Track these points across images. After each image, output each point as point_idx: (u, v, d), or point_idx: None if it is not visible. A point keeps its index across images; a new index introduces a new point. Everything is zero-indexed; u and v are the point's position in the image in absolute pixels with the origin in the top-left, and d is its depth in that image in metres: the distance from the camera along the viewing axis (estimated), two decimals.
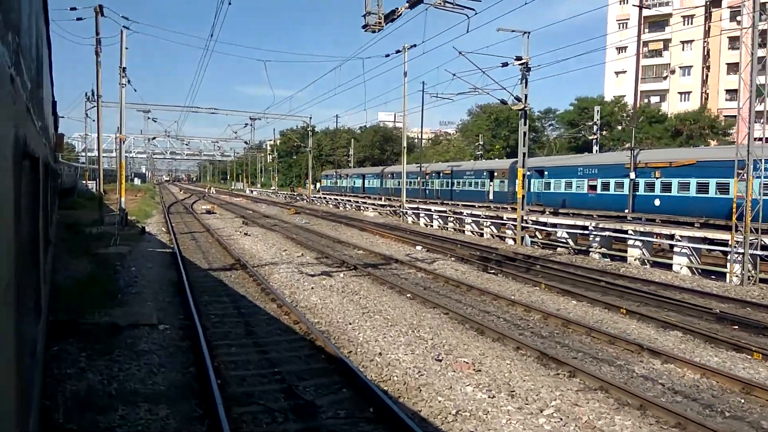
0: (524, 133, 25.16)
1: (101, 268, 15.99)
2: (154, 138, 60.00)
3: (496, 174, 37.46)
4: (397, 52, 35.43)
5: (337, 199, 51.54)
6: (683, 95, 77.82)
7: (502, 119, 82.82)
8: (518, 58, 23.49)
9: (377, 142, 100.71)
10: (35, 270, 4.85)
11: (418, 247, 22.53)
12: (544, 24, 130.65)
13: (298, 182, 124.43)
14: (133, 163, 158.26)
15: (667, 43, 77.33)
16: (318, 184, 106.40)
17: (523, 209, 24.27)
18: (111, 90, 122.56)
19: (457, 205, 37.79)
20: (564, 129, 71.86)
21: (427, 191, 47.26)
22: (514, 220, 24.80)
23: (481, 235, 27.90)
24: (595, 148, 41.61)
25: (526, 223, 24.19)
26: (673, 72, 77.71)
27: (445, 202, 41.26)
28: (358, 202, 46.37)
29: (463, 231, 29.19)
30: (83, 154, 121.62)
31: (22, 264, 3.31)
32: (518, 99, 24.23)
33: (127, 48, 25.33)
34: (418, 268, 17.58)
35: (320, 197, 58.12)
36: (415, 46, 34.98)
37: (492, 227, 26.97)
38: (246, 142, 72.07)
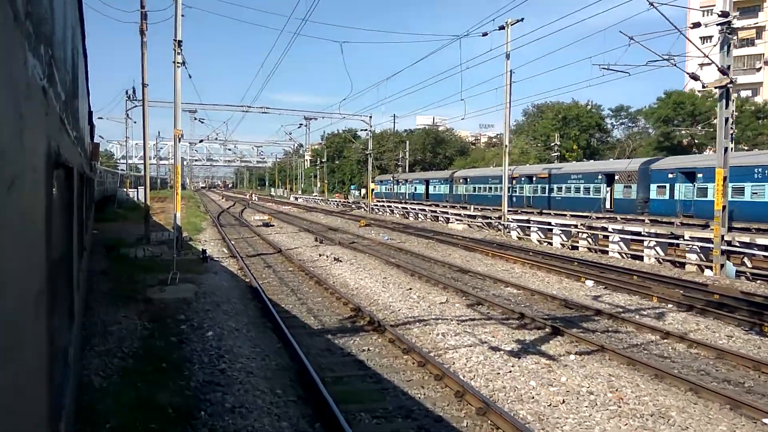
0: (726, 119, 18.52)
1: (159, 334, 9.99)
2: (201, 141, 54.85)
3: (617, 177, 30.61)
4: (501, 28, 29.12)
5: (405, 208, 45.22)
6: None
7: (570, 117, 75.70)
8: (723, 14, 16.91)
9: (429, 144, 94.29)
10: (68, 278, 4.92)
11: (589, 283, 15.98)
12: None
13: (341, 188, 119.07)
14: (168, 170, 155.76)
15: (760, 30, 69.12)
16: (362, 190, 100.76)
17: (724, 225, 17.53)
18: (154, 86, 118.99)
19: (565, 215, 31.11)
20: (652, 128, 64.14)
21: (515, 198, 40.60)
22: (706, 240, 18.09)
23: (636, 257, 21.19)
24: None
25: (729, 244, 17.42)
26: (767, 63, 69.39)
27: (543, 211, 34.59)
28: (435, 211, 39.92)
29: (606, 251, 22.49)
30: (122, 161, 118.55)
31: (55, 272, 3.37)
32: (722, 71, 17.58)
33: (183, 16, 19.56)
34: (653, 330, 11.05)
35: (381, 205, 51.90)
36: (521, 20, 28.65)
37: (657, 249, 20.21)
38: (301, 145, 66.59)
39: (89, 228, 17.21)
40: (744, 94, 70.41)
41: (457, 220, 35.33)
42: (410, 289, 14.73)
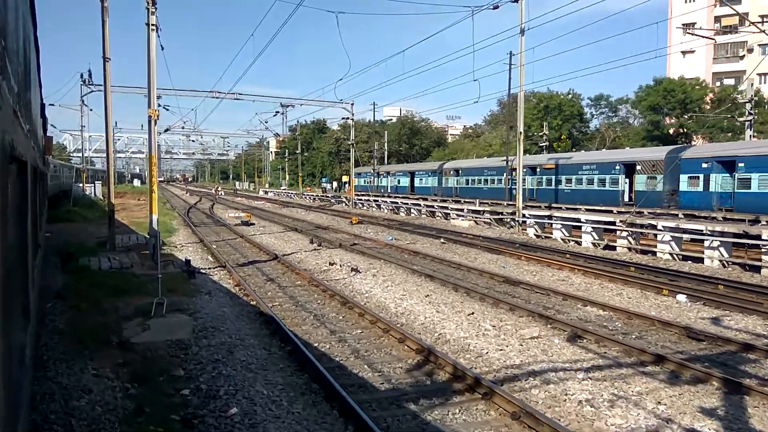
0: None
1: (151, 410, 6.43)
2: (166, 130, 50.08)
3: (639, 168, 27.86)
4: (514, 1, 25.91)
5: (395, 203, 41.73)
6: (762, 77, 68.41)
7: (552, 107, 73.45)
8: None
9: (404, 135, 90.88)
10: (23, 275, 4.82)
11: (681, 298, 12.91)
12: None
13: (311, 181, 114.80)
14: (125, 163, 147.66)
15: (743, 17, 68.15)
16: (334, 183, 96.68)
17: None
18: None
19: (579, 209, 28.24)
20: (640, 116, 62.15)
21: (515, 191, 37.61)
22: None
23: (690, 259, 18.33)
24: (748, 132, 31.89)
25: None
26: (750, 50, 68.48)
27: (552, 205, 31.68)
28: (432, 206, 36.57)
29: (650, 252, 19.59)
30: (75, 154, 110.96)
31: (9, 269, 3.33)
32: None
33: None
34: None
35: (365, 200, 48.33)
36: None
37: (721, 250, 17.37)
38: (277, 134, 62.23)
39: (42, 225, 16.35)
40: (727, 81, 69.57)
41: (458, 215, 32.11)
42: (472, 313, 11.35)
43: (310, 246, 22.51)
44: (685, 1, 72.38)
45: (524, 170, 36.88)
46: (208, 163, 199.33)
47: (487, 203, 37.23)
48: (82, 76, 39.69)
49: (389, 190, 57.37)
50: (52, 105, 42.64)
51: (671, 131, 58.07)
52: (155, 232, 14.93)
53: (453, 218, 32.13)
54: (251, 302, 12.24)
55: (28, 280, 5.20)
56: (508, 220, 27.65)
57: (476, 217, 30.21)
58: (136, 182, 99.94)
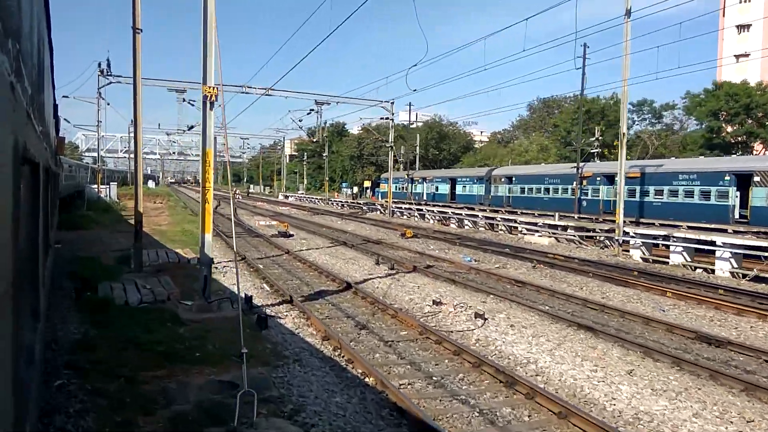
0: None
1: None
2: (190, 128, 46.08)
3: (758, 179, 23.39)
4: None
5: (444, 213, 37.28)
6: None
7: (594, 111, 68.94)
8: None
9: (432, 140, 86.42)
10: (33, 276, 4.86)
11: None
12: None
13: (330, 186, 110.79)
14: (127, 163, 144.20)
15: None
16: (354, 188, 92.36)
17: None
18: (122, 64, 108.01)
19: (679, 226, 23.81)
20: (699, 122, 57.41)
21: (584, 203, 33.23)
22: None
23: None
24: None
25: None
26: None
27: (639, 220, 27.24)
28: (493, 218, 32.16)
29: None
30: (87, 154, 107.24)
31: (21, 270, 3.34)
32: None
33: None
34: None
35: (406, 208, 44.02)
36: None
37: None
38: (310, 134, 58.06)
39: (54, 225, 15.58)
40: None
41: (528, 229, 27.72)
42: (726, 409, 7.01)
43: (379, 268, 18.24)
44: (740, 1, 67.76)
45: (600, 179, 32.50)
46: (220, 166, 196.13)
47: (551, 215, 32.87)
48: (99, 65, 35.78)
49: (425, 198, 53.00)
50: (66, 97, 38.85)
51: (733, 139, 53.42)
52: (208, 260, 10.69)
53: (523, 233, 27.72)
54: (367, 379, 7.94)
55: (39, 281, 5.20)
56: (602, 238, 23.24)
57: (555, 233, 25.79)
58: (151, 183, 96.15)
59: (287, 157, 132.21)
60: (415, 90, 29.59)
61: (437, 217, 37.21)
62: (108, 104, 39.01)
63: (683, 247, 19.56)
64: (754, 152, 51.83)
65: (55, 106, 15.85)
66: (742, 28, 67.12)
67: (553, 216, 28.06)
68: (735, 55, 67.94)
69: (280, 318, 11.31)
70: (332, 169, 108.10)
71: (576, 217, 30.52)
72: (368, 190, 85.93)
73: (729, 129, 52.61)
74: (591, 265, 19.71)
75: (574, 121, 69.41)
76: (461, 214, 34.17)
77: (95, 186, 40.63)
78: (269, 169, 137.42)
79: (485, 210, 38.81)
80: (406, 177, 54.72)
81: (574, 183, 32.17)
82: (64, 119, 44.09)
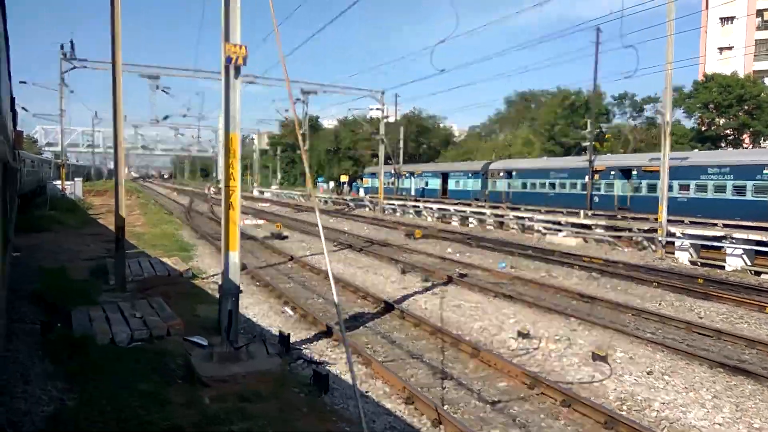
0: None
1: None
2: (166, 117, 42.27)
3: None
4: None
5: (446, 210, 34.58)
6: None
7: (578, 104, 67.21)
8: None
9: (411, 134, 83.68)
10: None
11: None
12: None
13: (304, 180, 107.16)
14: (103, 159, 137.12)
15: None
16: (331, 183, 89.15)
17: None
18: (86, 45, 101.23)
19: (715, 224, 21.74)
20: (689, 115, 55.99)
21: (597, 198, 31.03)
22: None
23: None
24: None
25: None
26: None
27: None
28: (504, 216, 29.60)
29: None
30: (46, 149, 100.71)
31: None
32: None
33: None
34: None
35: (399, 204, 41.27)
36: None
37: None
38: (283, 126, 54.38)
39: (13, 220, 15.12)
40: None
41: (547, 228, 25.29)
42: None
43: (409, 279, 15.48)
44: None
45: (614, 173, 30.33)
46: (187, 160, 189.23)
47: (561, 212, 30.62)
48: (62, 47, 31.89)
49: (414, 194, 50.30)
50: (24, 83, 34.80)
51: (723, 131, 52.27)
52: (234, 289, 7.62)
53: (541, 232, 25.26)
54: None
55: None
56: (640, 238, 20.92)
57: (579, 232, 23.39)
58: None
59: (257, 150, 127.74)
60: (442, 70, 26.67)
61: (436, 215, 34.54)
62: (72, 92, 35.08)
63: (743, 249, 17.34)
64: (744, 145, 50.86)
65: (12, 99, 14.80)
66: (726, 20, 66.28)
67: (576, 213, 25.67)
68: (719, 48, 67.29)
69: (328, 363, 8.45)
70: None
71: (589, 214, 28.26)
72: (345, 185, 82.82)
73: (722, 121, 51.43)
74: (642, 271, 17.33)
75: (558, 115, 67.79)
76: (465, 211, 31.57)
77: (58, 182, 36.63)
78: (243, 163, 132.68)
79: (484, 206, 36.32)
80: (393, 171, 51.97)
81: (586, 177, 29.91)
82: (22, 107, 39.90)
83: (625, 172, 29.32)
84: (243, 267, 16.82)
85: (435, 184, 48.43)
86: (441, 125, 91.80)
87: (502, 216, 29.21)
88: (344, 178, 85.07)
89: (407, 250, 21.60)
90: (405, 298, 13.16)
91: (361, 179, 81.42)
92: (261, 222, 32.70)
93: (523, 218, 27.51)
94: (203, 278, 15.25)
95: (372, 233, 28.14)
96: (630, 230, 21.45)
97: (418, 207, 36.95)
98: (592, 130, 34.74)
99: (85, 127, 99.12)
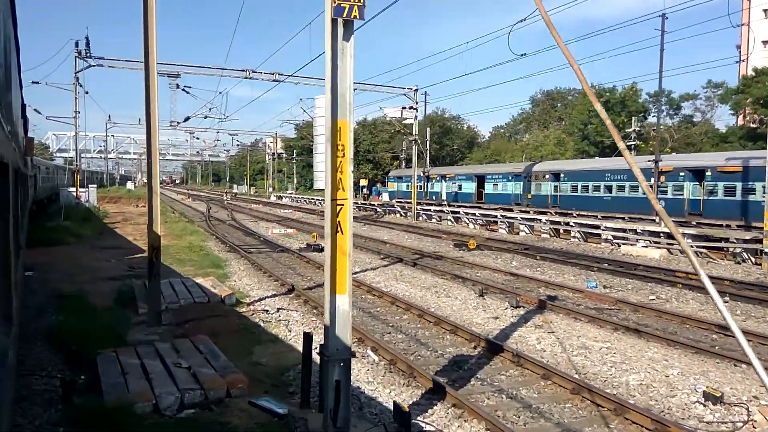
0: None
1: None
2: (186, 119, 40.03)
3: None
4: None
5: (491, 216, 31.88)
6: None
7: (614, 102, 64.30)
8: None
9: (434, 135, 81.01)
10: (5, 279, 4.76)
11: None
12: None
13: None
14: (115, 164, 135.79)
15: None
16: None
17: None
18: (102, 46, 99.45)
19: None
20: (733, 113, 52.93)
21: (662, 202, 28.20)
22: None
23: None
24: None
25: None
26: None
27: (745, 224, 22.31)
28: (564, 222, 26.84)
29: None
30: (57, 155, 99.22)
31: None
32: None
33: None
34: None
35: (435, 210, 38.69)
36: None
37: None
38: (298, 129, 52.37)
39: (24, 227, 14.46)
40: None
41: (615, 237, 22.56)
42: None
43: (492, 304, 12.87)
44: None
45: (683, 175, 27.50)
46: (199, 165, 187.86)
47: (621, 218, 27.88)
48: (77, 45, 29.71)
49: (445, 198, 47.66)
50: (36, 83, 32.68)
51: None
52: (344, 351, 5.02)
53: (611, 241, 22.53)
54: None
55: (11, 284, 4.98)
56: (739, 250, 18.15)
57: (662, 243, 20.66)
58: (129, 185, 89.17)
59: (275, 154, 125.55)
60: (523, 54, 24.14)
61: (479, 221, 31.85)
62: (87, 93, 32.89)
63: None
64: None
65: (23, 106, 14.97)
66: None
67: (656, 221, 22.88)
68: (762, 41, 64.08)
69: None
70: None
71: (656, 220, 25.50)
72: (364, 189, 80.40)
73: None
74: (757, 289, 14.62)
75: (592, 113, 64.77)
76: (516, 218, 28.86)
77: (72, 189, 34.42)
78: (252, 168, 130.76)
79: (528, 212, 33.60)
80: (421, 174, 49.34)
81: (652, 179, 27.14)
82: (34, 109, 37.85)
83: (697, 174, 26.49)
84: (290, 288, 14.36)
85: (469, 187, 45.76)
86: (467, 126, 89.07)
87: (560, 223, 26.45)
88: (364, 182, 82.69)
89: (466, 264, 19.00)
90: (505, 333, 10.56)
91: (383, 183, 78.92)
92: (290, 231, 30.26)
93: (584, 225, 24.77)
94: (248, 304, 12.76)
95: (416, 243, 25.58)
96: (727, 240, 18.69)
97: (458, 213, 34.31)
98: (658, 126, 31.94)
99: (96, 132, 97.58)
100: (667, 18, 26.78)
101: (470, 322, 11.26)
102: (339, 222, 5.18)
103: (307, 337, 6.46)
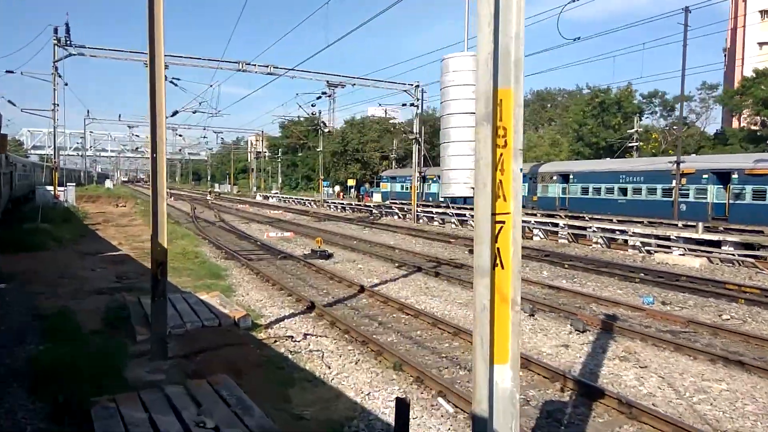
0: None
1: None
2: (174, 113, 37.66)
3: None
4: None
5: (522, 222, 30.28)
6: None
7: (609, 103, 63.15)
8: None
9: (425, 134, 79.13)
10: None
11: None
12: None
13: (305, 185, 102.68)
14: (93, 161, 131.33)
15: None
16: (336, 188, 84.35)
17: None
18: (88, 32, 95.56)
19: None
20: (734, 113, 52.11)
21: (683, 205, 26.73)
22: None
23: None
24: None
25: None
26: None
27: None
28: (581, 227, 25.19)
29: None
30: (32, 152, 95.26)
31: None
32: None
33: None
34: None
35: (438, 212, 36.97)
36: None
37: None
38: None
39: None
40: None
41: (644, 243, 21.00)
42: None
43: (546, 325, 11.10)
44: None
45: (707, 177, 26.08)
46: (179, 163, 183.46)
47: (640, 222, 26.38)
48: (56, 31, 27.30)
49: (442, 200, 45.88)
50: (11, 72, 30.17)
51: None
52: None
53: (635, 246, 20.94)
54: None
55: None
56: None
57: (703, 251, 19.10)
58: (108, 183, 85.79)
59: (261, 153, 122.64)
60: (577, 38, 22.59)
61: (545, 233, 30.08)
62: (66, 84, 30.44)
63: None
64: None
65: None
66: (765, 14, 62.58)
67: (694, 227, 21.32)
68: (758, 43, 63.61)
69: None
70: (309, 167, 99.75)
71: (680, 225, 24.07)
72: (352, 189, 78.52)
73: None
74: None
75: (590, 114, 63.61)
76: (529, 221, 27.19)
77: (50, 188, 31.93)
78: (234, 167, 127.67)
79: (536, 214, 31.99)
80: (418, 175, 47.45)
81: (673, 182, 25.67)
82: (8, 101, 35.19)
83: (722, 176, 25.09)
84: (310, 306, 12.41)
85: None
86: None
87: (582, 228, 24.80)
88: (352, 183, 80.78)
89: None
90: (589, 368, 8.76)
91: (371, 183, 77.03)
92: (288, 234, 28.23)
93: (610, 230, 23.18)
94: (265, 327, 10.79)
95: (426, 249, 23.77)
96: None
97: (463, 216, 32.59)
98: (679, 125, 30.55)
99: (72, 129, 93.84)
100: (690, 12, 25.31)
101: (538, 352, 9.46)
102: (499, 250, 3.30)
103: (402, 405, 4.56)
